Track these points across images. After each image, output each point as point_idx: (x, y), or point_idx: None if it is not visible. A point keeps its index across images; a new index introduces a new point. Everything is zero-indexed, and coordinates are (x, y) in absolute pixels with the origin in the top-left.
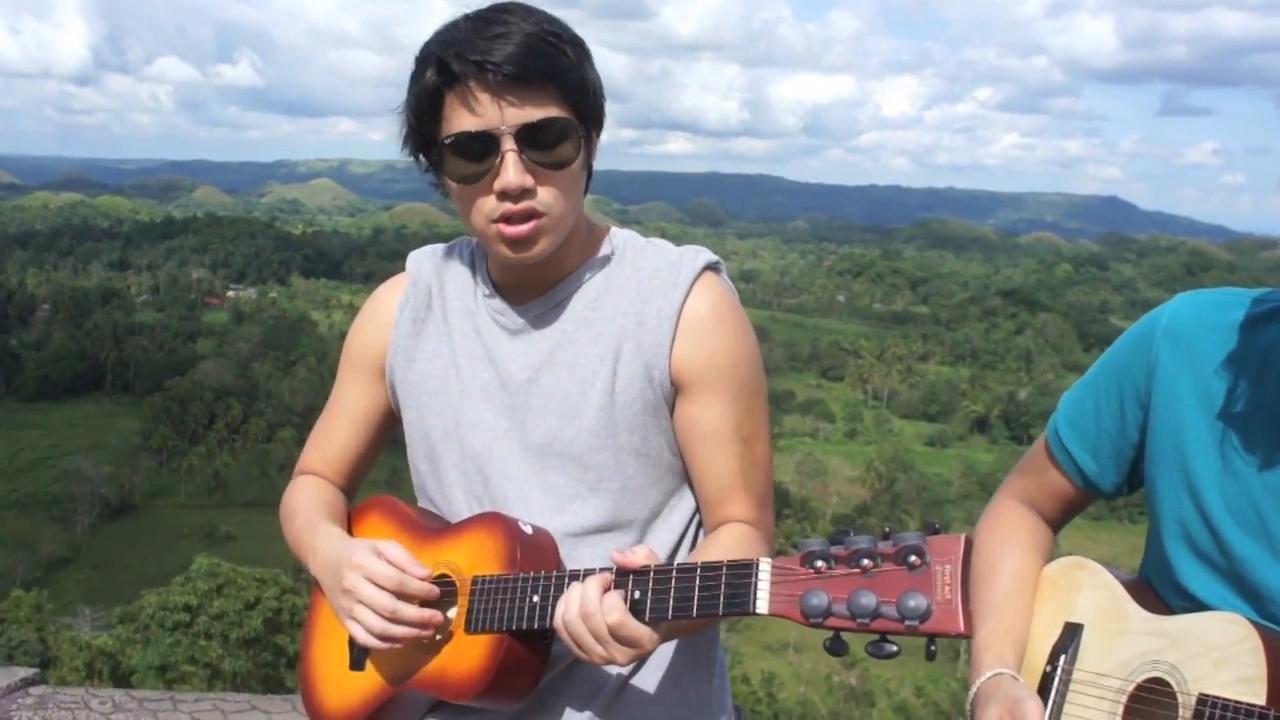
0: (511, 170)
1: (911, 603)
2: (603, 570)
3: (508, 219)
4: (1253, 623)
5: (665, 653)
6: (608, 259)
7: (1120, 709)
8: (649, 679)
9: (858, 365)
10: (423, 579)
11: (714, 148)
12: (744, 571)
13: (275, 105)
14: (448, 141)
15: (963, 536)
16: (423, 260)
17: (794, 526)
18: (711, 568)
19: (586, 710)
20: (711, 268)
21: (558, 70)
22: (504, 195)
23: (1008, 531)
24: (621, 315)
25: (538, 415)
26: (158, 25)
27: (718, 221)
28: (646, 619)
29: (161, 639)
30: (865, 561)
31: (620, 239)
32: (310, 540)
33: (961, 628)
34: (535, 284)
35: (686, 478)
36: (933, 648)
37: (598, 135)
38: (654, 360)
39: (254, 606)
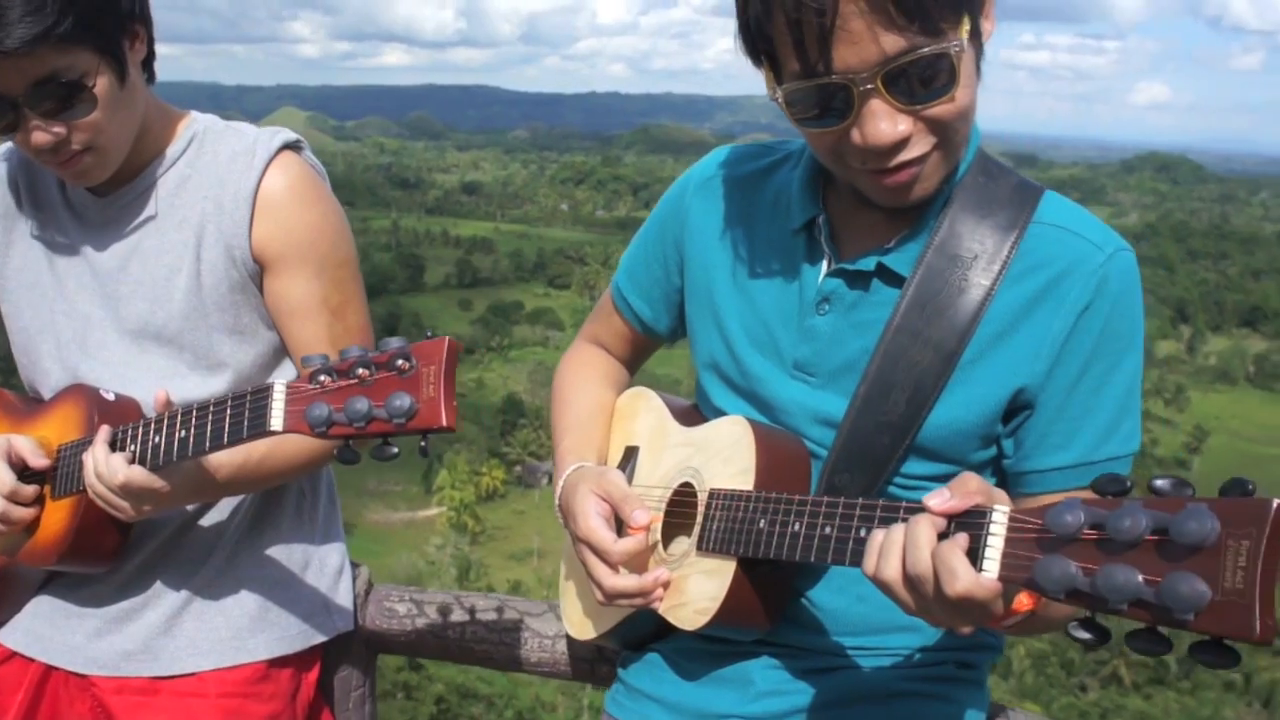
0: (34, 135)
1: (397, 402)
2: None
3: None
4: (749, 421)
5: (273, 512)
6: (188, 145)
7: (662, 515)
8: (259, 539)
9: (583, 272)
10: (42, 468)
11: (431, 59)
12: (262, 395)
13: None
14: None
15: (446, 339)
16: (1, 160)
17: (530, 435)
18: (236, 396)
19: (196, 575)
20: (291, 147)
21: (49, 30)
22: (39, 153)
23: (584, 368)
24: (202, 200)
25: (129, 301)
26: None
27: (437, 134)
28: (186, 455)
29: None
30: (361, 371)
31: (201, 124)
32: None
33: (444, 421)
34: (117, 175)
35: (285, 349)
36: (423, 444)
37: (143, 29)
38: (235, 241)
39: None
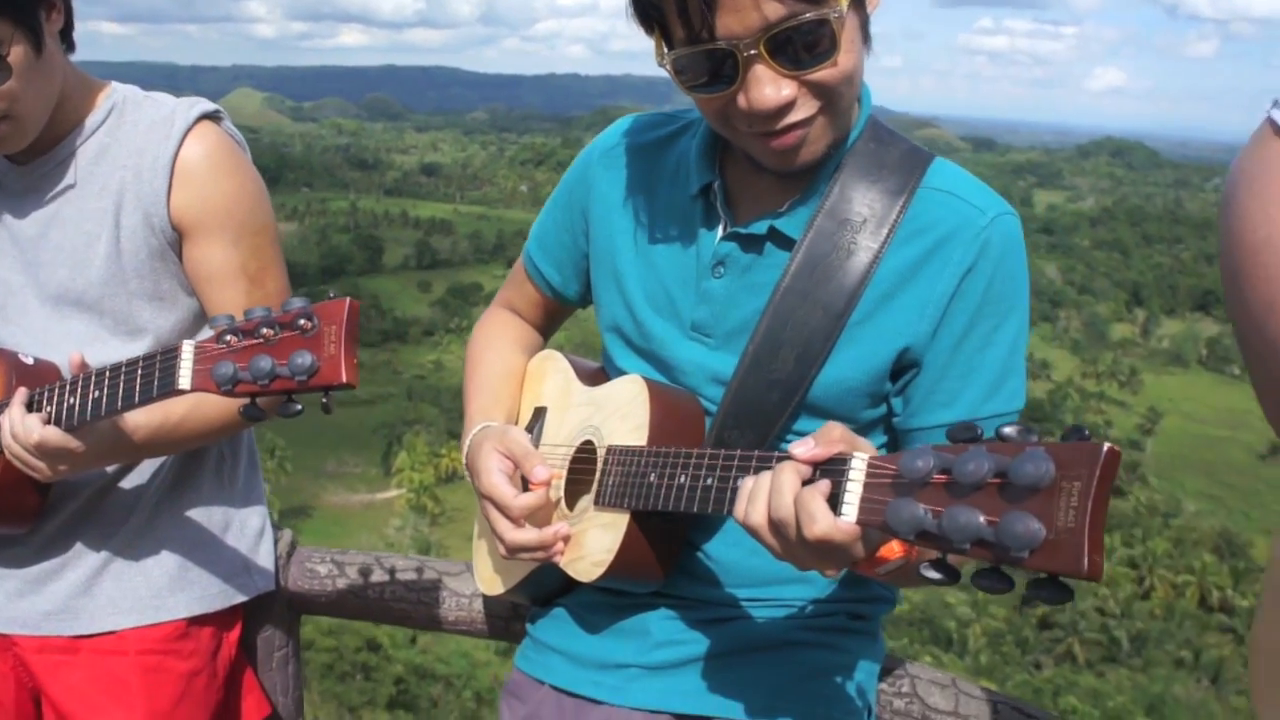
0: None
1: (299, 360)
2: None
3: None
4: (645, 379)
5: (193, 475)
6: (108, 115)
7: (565, 472)
8: (178, 500)
9: None
10: None
11: (389, 40)
12: (171, 355)
13: None
14: None
15: (347, 299)
16: None
17: None
18: (147, 357)
19: (116, 536)
20: (210, 117)
21: None
22: None
23: (496, 332)
24: (121, 169)
25: (49, 268)
26: None
27: (396, 115)
28: (100, 415)
29: None
30: (266, 331)
31: (121, 94)
32: None
33: (344, 377)
34: (37, 143)
35: (205, 315)
36: (324, 400)
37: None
38: (153, 209)
39: None
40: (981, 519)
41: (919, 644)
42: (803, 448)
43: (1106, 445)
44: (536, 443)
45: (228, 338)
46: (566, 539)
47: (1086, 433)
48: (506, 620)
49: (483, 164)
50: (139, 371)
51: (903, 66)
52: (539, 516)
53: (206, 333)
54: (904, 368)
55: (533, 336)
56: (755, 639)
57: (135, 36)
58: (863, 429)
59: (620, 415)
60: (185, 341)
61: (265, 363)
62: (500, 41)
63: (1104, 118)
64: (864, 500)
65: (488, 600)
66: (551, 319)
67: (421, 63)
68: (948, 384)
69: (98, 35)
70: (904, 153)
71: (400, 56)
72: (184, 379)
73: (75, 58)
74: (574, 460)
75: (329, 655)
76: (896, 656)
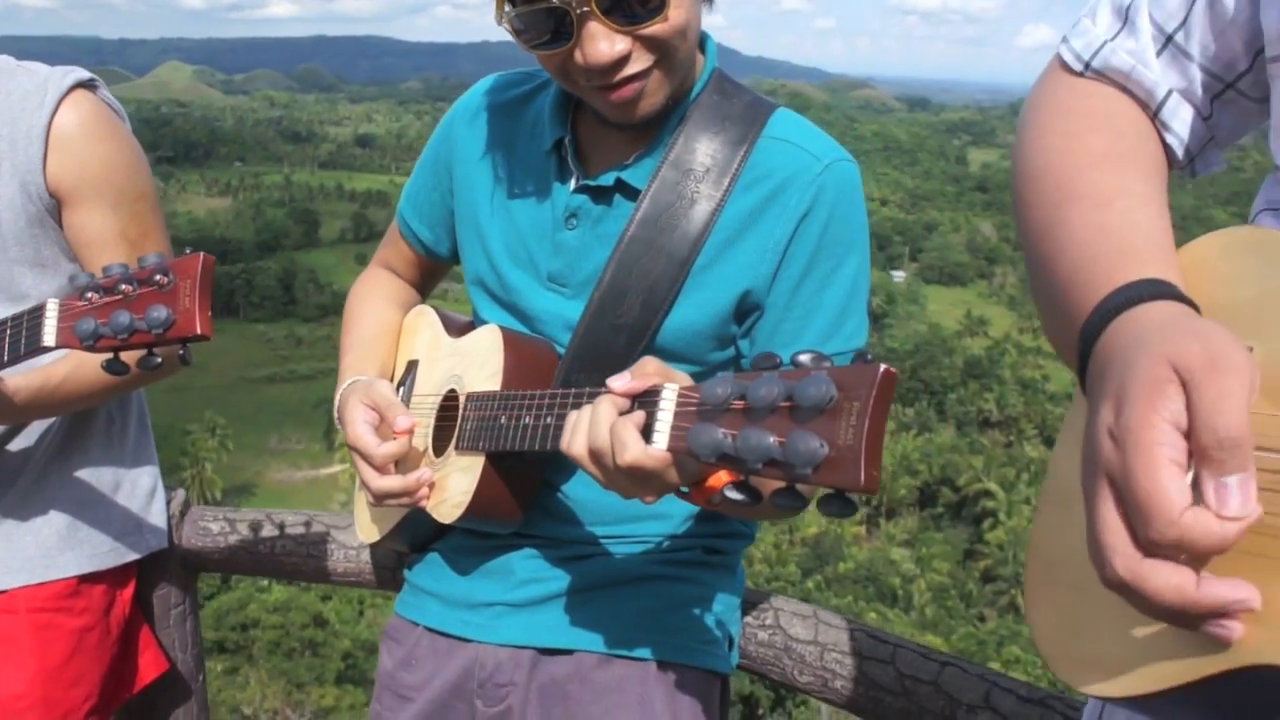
0: None
1: (155, 314)
2: None
3: None
4: (501, 328)
5: (81, 436)
6: None
7: (433, 421)
8: (67, 461)
9: None
10: None
11: (319, 9)
12: (37, 313)
13: None
14: None
15: (201, 255)
16: None
17: None
18: (15, 317)
19: (4, 498)
20: (85, 85)
21: None
22: None
23: (372, 289)
24: None
25: None
26: None
27: (329, 87)
28: None
29: None
30: (125, 287)
31: None
32: None
33: (199, 329)
34: None
35: None
36: (182, 352)
37: None
38: (29, 178)
39: None
40: (772, 439)
41: (864, 601)
42: (619, 381)
43: (883, 367)
44: (409, 394)
45: (89, 295)
46: (431, 484)
47: (870, 356)
48: (393, 570)
49: (418, 134)
50: (7, 331)
51: (837, 28)
52: (406, 464)
53: None
54: (747, 310)
55: (409, 293)
56: (614, 574)
57: (58, 10)
58: (713, 371)
59: (479, 364)
60: (50, 299)
61: (124, 317)
62: (432, 9)
63: (1036, 75)
64: (674, 428)
65: (374, 551)
66: (427, 276)
67: (353, 32)
68: (789, 325)
69: (18, 9)
70: (747, 104)
71: (331, 26)
72: (49, 336)
73: None
74: (442, 409)
75: (276, 633)
76: (760, 591)
